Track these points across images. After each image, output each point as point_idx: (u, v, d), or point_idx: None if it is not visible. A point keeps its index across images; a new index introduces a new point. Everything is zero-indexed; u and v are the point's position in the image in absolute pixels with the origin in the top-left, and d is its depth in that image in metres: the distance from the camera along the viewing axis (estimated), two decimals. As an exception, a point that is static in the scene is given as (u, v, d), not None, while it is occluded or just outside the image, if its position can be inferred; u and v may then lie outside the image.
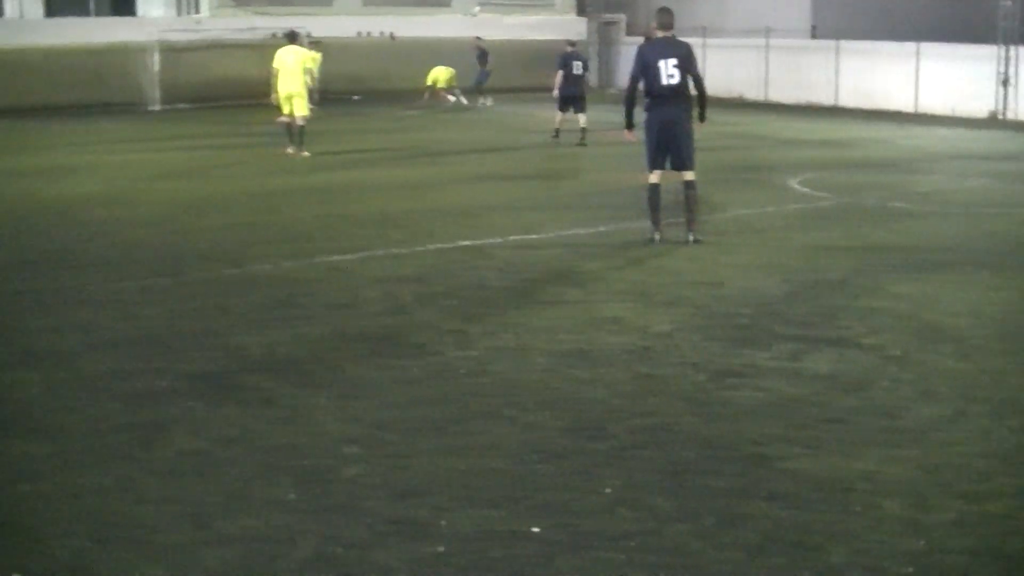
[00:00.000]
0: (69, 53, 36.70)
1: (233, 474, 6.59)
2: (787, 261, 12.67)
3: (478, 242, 13.67)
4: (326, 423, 7.43)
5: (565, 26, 45.46)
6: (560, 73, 25.78)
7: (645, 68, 13.20)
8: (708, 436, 7.23)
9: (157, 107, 37.41)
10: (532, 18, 45.93)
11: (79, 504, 6.21)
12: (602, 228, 14.77)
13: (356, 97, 39.48)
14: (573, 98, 25.74)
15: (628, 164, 19.49)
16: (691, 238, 13.42)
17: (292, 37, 24.23)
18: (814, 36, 40.31)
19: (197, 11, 42.04)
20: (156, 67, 37.96)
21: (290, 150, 23.52)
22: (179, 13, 42.59)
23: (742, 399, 7.99)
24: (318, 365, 8.75)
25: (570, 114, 25.82)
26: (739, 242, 13.84)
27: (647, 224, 13.72)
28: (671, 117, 13.30)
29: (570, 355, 9.01)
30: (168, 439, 7.16)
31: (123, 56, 36.98)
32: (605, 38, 47.81)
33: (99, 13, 42.45)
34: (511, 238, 13.99)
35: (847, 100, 37.25)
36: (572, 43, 27.09)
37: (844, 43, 37.22)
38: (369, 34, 42.58)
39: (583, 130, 25.36)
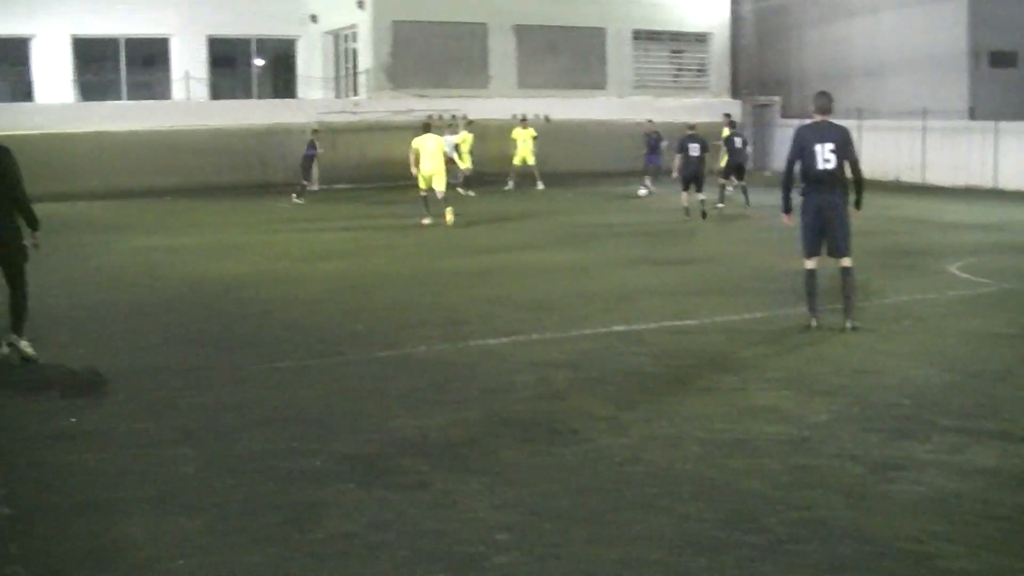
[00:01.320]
0: (233, 134, 37.76)
1: (384, 558, 6.55)
2: (948, 350, 12.33)
3: (632, 327, 13.56)
4: (478, 509, 7.35)
5: (720, 108, 45.38)
6: (678, 156, 27.60)
7: (801, 151, 13.05)
8: (866, 531, 6.99)
9: (315, 187, 38.13)
10: (687, 101, 45.97)
11: (233, 584, 6.24)
12: (757, 314, 14.55)
13: (509, 185, 39.67)
14: (693, 178, 27.24)
15: (781, 248, 19.33)
16: (849, 325, 13.13)
17: (427, 127, 27.65)
18: (972, 117, 39.58)
19: (355, 94, 42.95)
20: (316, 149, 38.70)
21: (426, 220, 26.46)
22: (338, 95, 43.58)
23: (901, 493, 7.72)
24: (472, 449, 8.70)
25: (692, 192, 27.25)
26: (898, 329, 13.50)
27: (803, 310, 13.48)
28: (827, 202, 13.09)
29: (725, 444, 8.83)
30: (320, 520, 7.16)
31: (284, 137, 37.84)
32: (760, 120, 47.66)
33: (261, 96, 43.65)
34: (665, 323, 13.85)
35: (1007, 182, 36.47)
36: (691, 126, 28.33)
37: (1003, 124, 36.51)
38: (524, 117, 42.95)
39: (702, 201, 27.30)
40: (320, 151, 34.92)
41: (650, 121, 38.83)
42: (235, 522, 7.13)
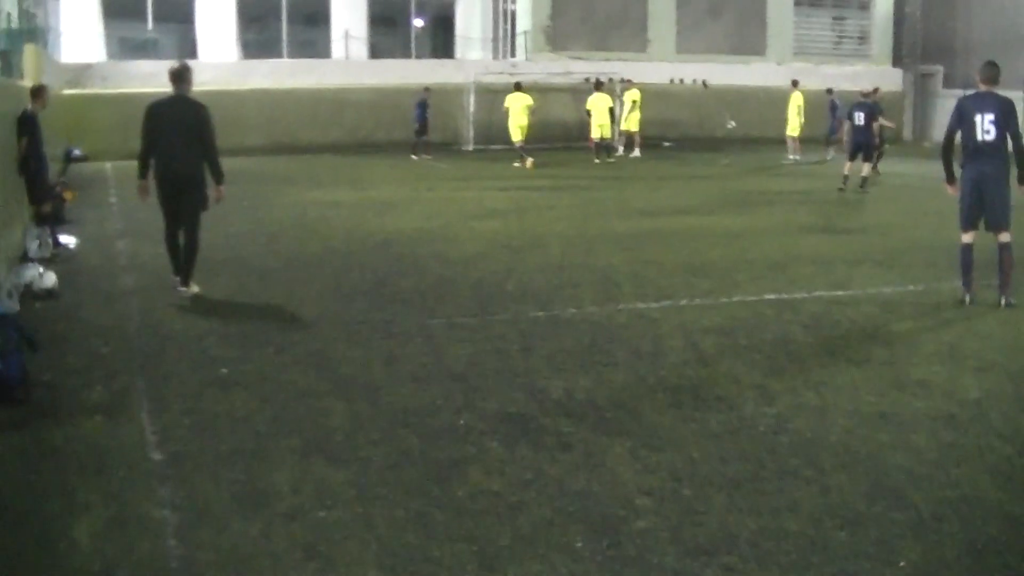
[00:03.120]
0: (391, 92, 38.07)
1: (524, 518, 6.57)
2: None
3: (785, 296, 13.38)
4: (621, 472, 7.34)
5: (882, 76, 44.49)
6: (847, 124, 27.42)
7: (961, 121, 12.71)
8: (1012, 513, 6.81)
9: (471, 147, 38.36)
10: (848, 68, 45.10)
11: (371, 534, 6.32)
12: (911, 287, 14.23)
13: (667, 144, 39.48)
14: (859, 147, 26.82)
15: (940, 220, 18.88)
16: (1004, 301, 12.75)
17: (598, 86, 32.97)
18: None
19: (513, 55, 42.98)
20: (472, 108, 38.94)
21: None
22: (495, 56, 43.64)
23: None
24: (618, 412, 8.68)
25: (858, 162, 26.71)
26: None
27: (958, 284, 13.15)
28: (986, 174, 12.70)
29: (873, 417, 8.67)
30: (463, 477, 7.21)
31: (441, 97, 38.07)
32: (922, 90, 46.57)
33: (420, 55, 43.94)
34: (818, 293, 13.63)
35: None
36: (864, 94, 27.79)
37: None
38: (682, 81, 42.64)
39: (863, 178, 26.71)
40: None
41: (830, 91, 38.12)
42: (378, 476, 7.22)
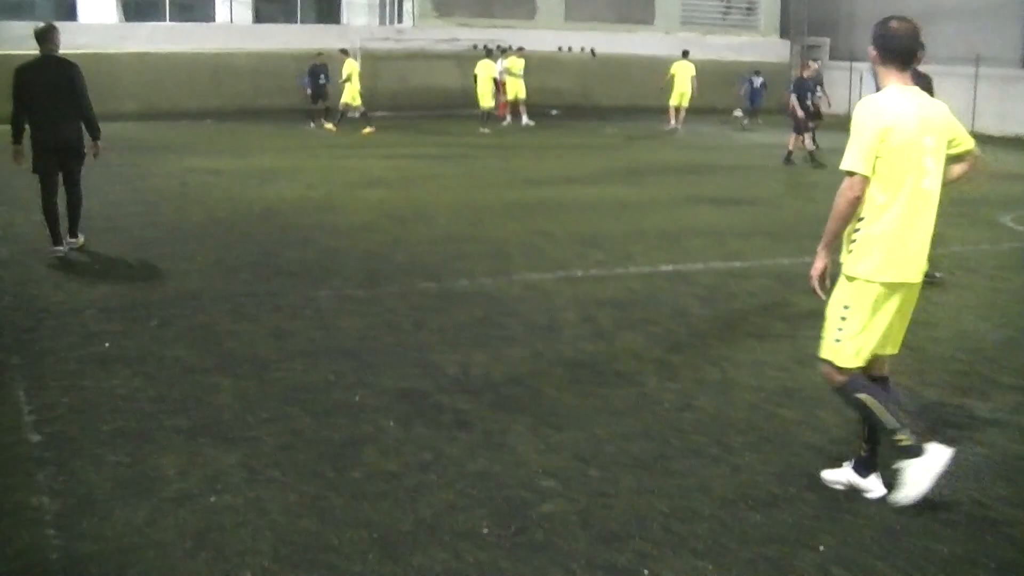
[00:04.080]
0: (274, 58, 37.40)
1: (424, 502, 6.28)
2: (1004, 304, 11.98)
3: (679, 267, 13.23)
4: (523, 452, 7.08)
5: (768, 48, 44.86)
6: (792, 98, 26.52)
7: None
8: (929, 494, 6.68)
9: (356, 114, 37.81)
10: (735, 39, 45.30)
11: (264, 520, 6.00)
12: (806, 259, 14.07)
13: (555, 112, 39.30)
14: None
15: (828, 193, 18.84)
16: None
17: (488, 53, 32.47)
18: (1024, 66, 38.94)
19: (400, 21, 42.47)
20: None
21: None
22: (382, 22, 43.10)
23: (963, 455, 7.38)
24: (516, 389, 8.41)
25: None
26: (951, 281, 13.10)
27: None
28: None
29: (777, 393, 8.53)
30: (359, 458, 6.90)
31: (327, 62, 37.42)
32: (807, 62, 46.86)
33: (304, 20, 43.22)
34: (713, 264, 13.51)
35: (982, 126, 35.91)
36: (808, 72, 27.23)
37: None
38: (570, 49, 42.46)
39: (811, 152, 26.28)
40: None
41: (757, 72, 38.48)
42: (270, 457, 6.88)
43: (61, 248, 13.03)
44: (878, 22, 6.34)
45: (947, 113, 6.33)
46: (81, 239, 13.49)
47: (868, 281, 6.23)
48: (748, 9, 48.29)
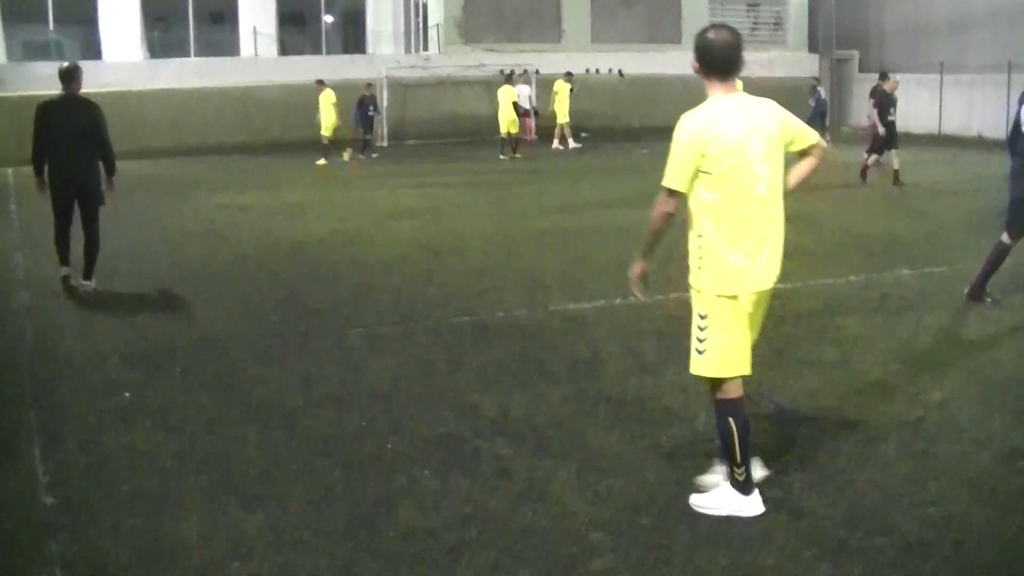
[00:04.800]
0: (302, 90, 37.12)
1: (466, 561, 5.80)
2: (1062, 323, 11.44)
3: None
4: (568, 502, 6.57)
5: (798, 63, 44.30)
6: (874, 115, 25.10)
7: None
8: (1006, 534, 6.17)
9: (384, 143, 37.52)
10: (763, 55, 44.71)
11: (295, 591, 5.53)
12: (852, 278, 13.66)
13: (584, 134, 38.83)
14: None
15: (866, 209, 18.41)
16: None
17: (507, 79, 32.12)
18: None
19: (426, 49, 42.19)
20: (384, 103, 38.09)
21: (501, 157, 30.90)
22: (407, 51, 42.82)
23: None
24: (559, 431, 7.91)
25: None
26: (1009, 299, 12.55)
27: (902, 272, 12.61)
28: None
29: (835, 426, 8.02)
30: (394, 515, 6.42)
31: (353, 93, 37.16)
32: (837, 75, 46.31)
33: (330, 51, 42.97)
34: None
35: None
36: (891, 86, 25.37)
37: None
38: (598, 71, 42.05)
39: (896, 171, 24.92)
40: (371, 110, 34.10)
41: (816, 78, 37.54)
42: (298, 518, 6.40)
43: (68, 268, 13.09)
44: (697, 33, 6.26)
45: (779, 114, 6.25)
46: (92, 283, 13.23)
47: (717, 295, 6.20)
48: (776, 24, 47.78)
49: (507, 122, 33.02)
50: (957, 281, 13.05)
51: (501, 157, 32.28)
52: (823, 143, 6.41)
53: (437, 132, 38.31)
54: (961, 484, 6.90)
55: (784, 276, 13.15)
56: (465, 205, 22.00)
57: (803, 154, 6.38)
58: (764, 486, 6.82)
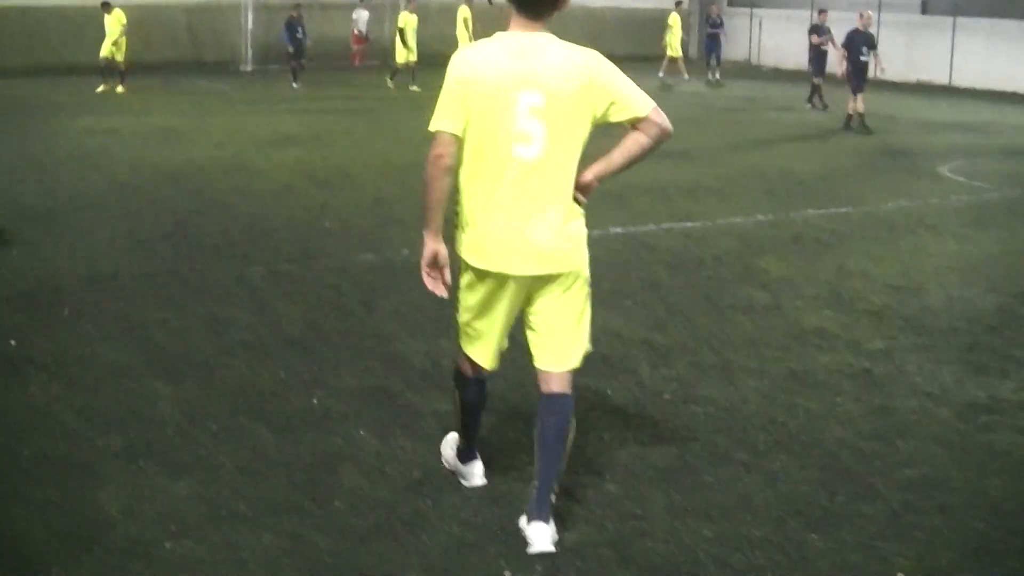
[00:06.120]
0: (162, 10, 35.75)
1: (427, 538, 5.21)
2: (980, 264, 11.34)
3: (632, 229, 12.27)
4: (525, 464, 5.84)
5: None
6: (843, 55, 23.91)
7: None
8: (993, 498, 5.81)
9: (249, 67, 36.36)
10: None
11: (241, 572, 4.88)
12: (759, 217, 13.32)
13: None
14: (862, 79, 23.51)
15: (758, 144, 18.13)
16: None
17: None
18: (924, 11, 38.54)
19: (293, -31, 40.81)
20: (249, 26, 36.86)
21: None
22: (274, -29, 41.39)
23: (1004, 444, 6.57)
24: (498, 383, 7.05)
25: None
26: (918, 240, 12.38)
27: (811, 212, 12.45)
28: None
29: (784, 378, 7.65)
30: (336, 481, 5.79)
31: (216, 14, 35.96)
32: (704, 8, 46.03)
33: (194, -30, 41.36)
34: (665, 225, 12.57)
35: (961, 79, 35.67)
36: (864, 24, 24.16)
37: (960, 20, 35.57)
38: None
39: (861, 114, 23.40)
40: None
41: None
42: (230, 485, 5.72)
43: None
44: None
45: (589, 69, 4.95)
46: None
47: (465, 263, 5.21)
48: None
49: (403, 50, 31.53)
50: (865, 222, 12.89)
51: (389, 84, 31.16)
52: (660, 119, 5.00)
53: (306, 57, 37.14)
54: (929, 442, 6.60)
55: (690, 214, 13.00)
56: (346, 133, 21.13)
57: (633, 128, 5.05)
58: (731, 444, 6.37)
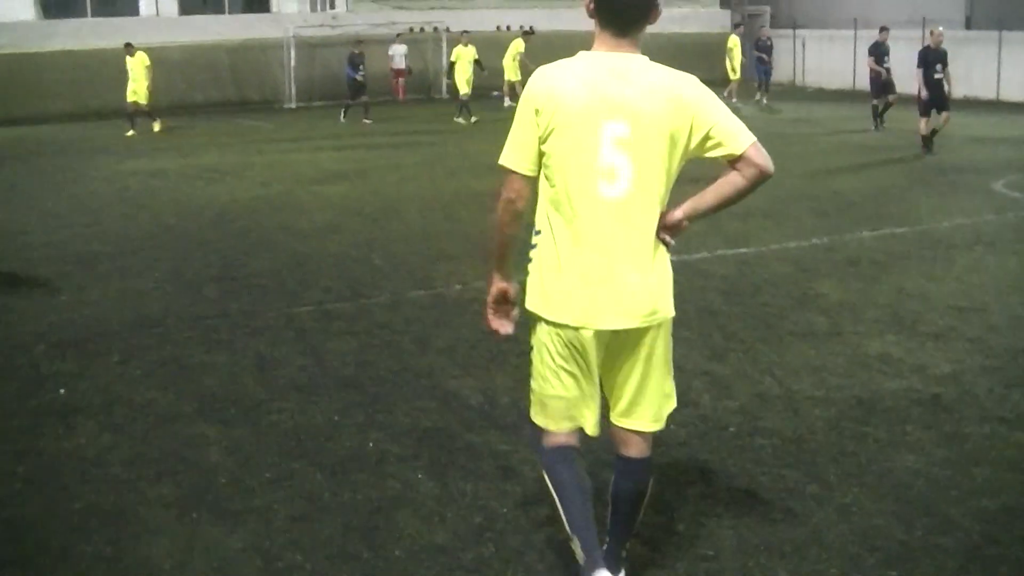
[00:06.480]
0: (205, 51, 35.90)
1: (489, 582, 5.01)
2: (1045, 281, 10.98)
3: (685, 256, 11.98)
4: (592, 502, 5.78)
5: (710, 18, 43.81)
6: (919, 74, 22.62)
7: None
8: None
9: (292, 104, 36.46)
10: (676, 11, 44.10)
11: (297, 628, 4.70)
12: (815, 241, 13.06)
13: (495, 93, 37.84)
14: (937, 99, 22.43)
15: (804, 164, 17.91)
16: None
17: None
18: (968, 27, 38.08)
19: (332, 7, 41.01)
20: (292, 63, 36.98)
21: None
22: (313, 9, 41.58)
23: None
24: (555, 420, 7.12)
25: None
26: (977, 258, 12.09)
27: (865, 234, 12.19)
28: None
29: (849, 406, 7.40)
30: (394, 528, 5.60)
31: (258, 53, 36.12)
32: (749, 31, 45.88)
33: (232, 10, 41.54)
34: (719, 252, 12.33)
35: (1009, 94, 35.19)
36: (937, 41, 22.77)
37: (1006, 34, 35.11)
38: (508, 28, 41.15)
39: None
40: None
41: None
42: (284, 534, 5.54)
43: None
44: None
45: (686, 93, 4.31)
46: None
47: (537, 317, 4.52)
48: (686, -24, 47.15)
49: (463, 81, 31.33)
50: (922, 242, 12.63)
51: (458, 120, 30.80)
52: (759, 159, 4.36)
53: (345, 93, 37.15)
54: (1005, 470, 6.33)
55: (743, 239, 12.75)
56: (392, 166, 21.01)
57: (732, 166, 4.40)
58: (801, 477, 6.14)
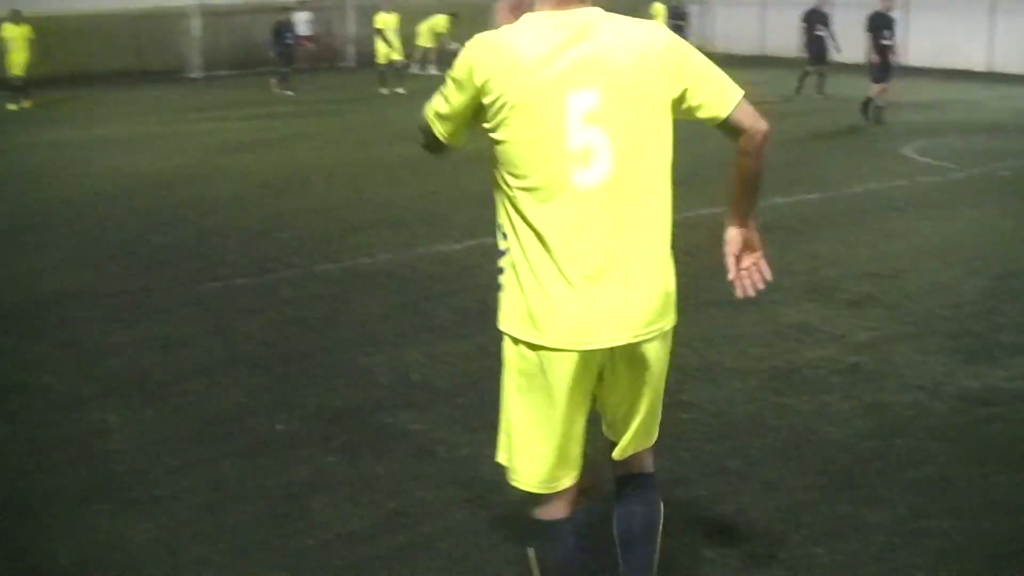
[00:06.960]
0: (107, 19, 35.10)
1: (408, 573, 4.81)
2: (957, 247, 11.03)
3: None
4: (511, 488, 5.49)
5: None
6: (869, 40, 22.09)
7: None
8: (1006, 497, 5.47)
9: (198, 74, 35.83)
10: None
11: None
12: (718, 209, 12.93)
13: (400, 61, 37.20)
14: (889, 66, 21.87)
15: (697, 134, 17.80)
16: None
17: None
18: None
19: (239, -26, 40.34)
20: (197, 32, 36.33)
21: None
22: (222, -25, 40.90)
23: (1007, 439, 6.24)
24: (470, 396, 6.92)
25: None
26: (888, 223, 12.11)
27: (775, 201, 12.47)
28: None
29: (771, 376, 7.33)
30: (307, 514, 5.39)
31: (162, 21, 35.34)
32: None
33: (137, -23, 40.77)
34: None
35: (918, 59, 35.42)
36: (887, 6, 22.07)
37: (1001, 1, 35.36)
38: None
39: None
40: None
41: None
42: (192, 525, 5.31)
43: None
44: None
45: (658, 44, 3.50)
46: None
47: (514, 340, 3.61)
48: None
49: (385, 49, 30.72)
50: (835, 208, 12.61)
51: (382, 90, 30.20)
52: (749, 121, 3.67)
53: (253, 61, 36.51)
54: (928, 439, 6.38)
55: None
56: (297, 137, 20.67)
57: (731, 135, 3.68)
58: (723, 453, 6.01)
